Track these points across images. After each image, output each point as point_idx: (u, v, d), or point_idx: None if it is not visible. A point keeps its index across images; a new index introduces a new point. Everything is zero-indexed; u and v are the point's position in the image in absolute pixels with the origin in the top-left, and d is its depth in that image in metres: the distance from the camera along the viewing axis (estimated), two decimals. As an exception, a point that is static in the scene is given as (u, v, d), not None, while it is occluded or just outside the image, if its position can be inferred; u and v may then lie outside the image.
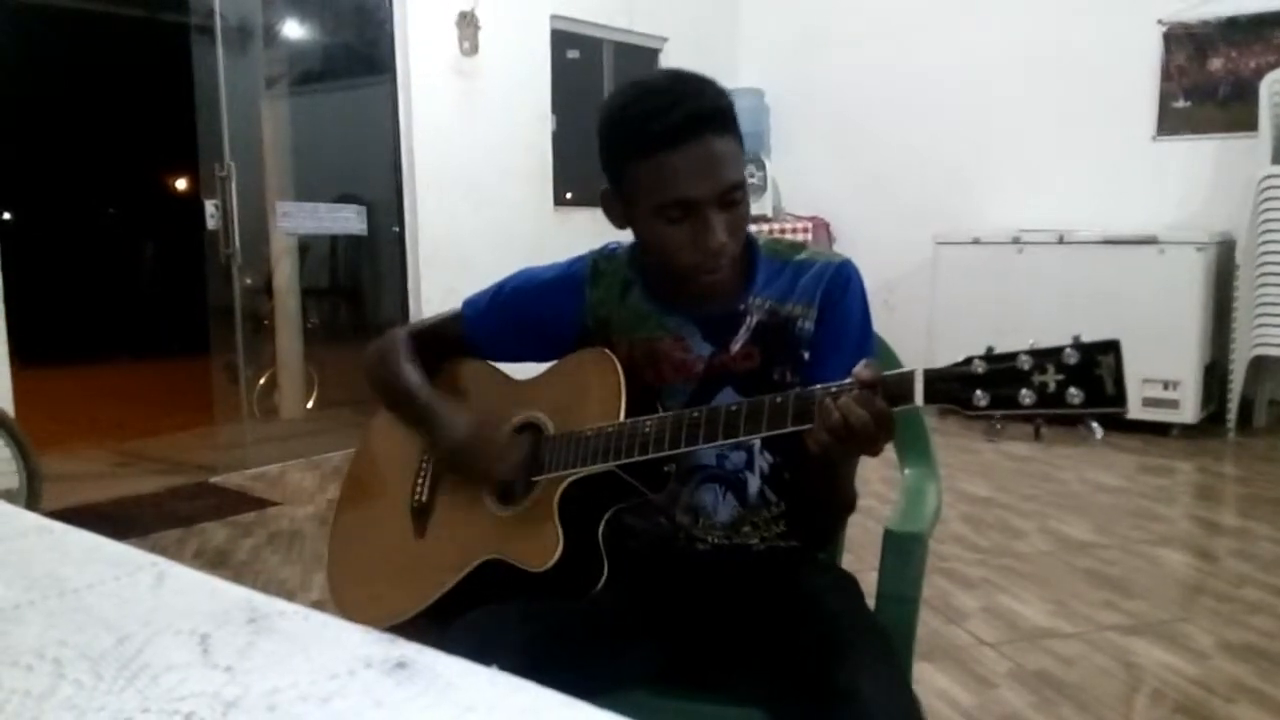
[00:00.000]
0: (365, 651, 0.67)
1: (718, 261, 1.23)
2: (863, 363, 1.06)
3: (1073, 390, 0.92)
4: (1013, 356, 0.96)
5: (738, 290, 1.32)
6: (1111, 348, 0.91)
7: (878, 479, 3.38)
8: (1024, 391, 0.94)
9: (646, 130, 1.18)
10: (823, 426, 1.05)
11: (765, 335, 1.30)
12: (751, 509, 1.33)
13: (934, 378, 1.00)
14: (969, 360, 0.98)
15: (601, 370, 1.28)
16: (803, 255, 1.34)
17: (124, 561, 0.88)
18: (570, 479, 1.23)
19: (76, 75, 9.24)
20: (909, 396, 1.01)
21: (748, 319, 1.31)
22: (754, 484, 1.33)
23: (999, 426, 0.99)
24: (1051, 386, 0.93)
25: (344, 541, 1.56)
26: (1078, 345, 0.93)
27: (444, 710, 0.59)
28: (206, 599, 0.79)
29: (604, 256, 1.41)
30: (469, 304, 1.48)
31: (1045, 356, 0.94)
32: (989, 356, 0.97)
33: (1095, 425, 0.94)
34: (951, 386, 0.99)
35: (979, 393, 0.97)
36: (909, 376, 1.01)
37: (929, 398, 1.00)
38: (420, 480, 1.44)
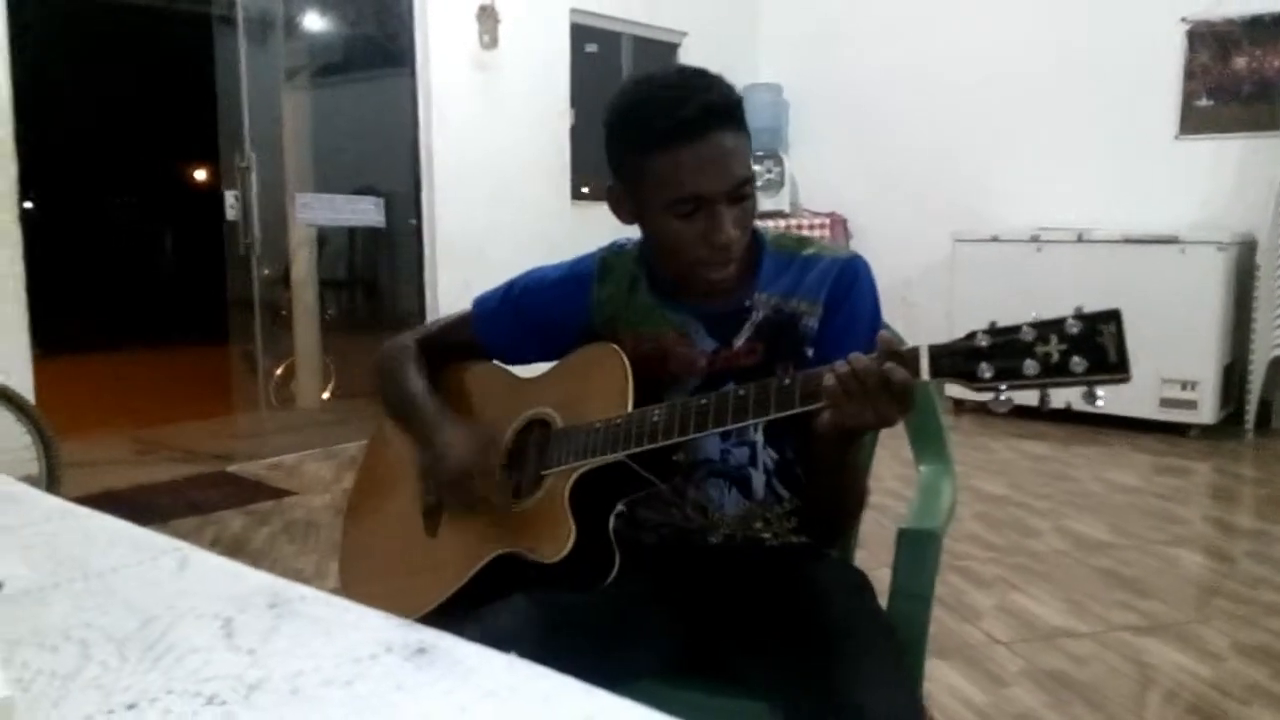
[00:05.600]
0: (386, 636, 0.68)
1: (727, 255, 1.23)
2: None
3: (1076, 359, 0.93)
4: (1016, 329, 0.97)
5: (743, 286, 1.32)
6: (1113, 317, 0.92)
7: (892, 476, 3.37)
8: (1028, 362, 0.95)
9: (657, 125, 1.18)
10: (833, 375, 1.05)
11: (769, 331, 1.30)
12: (761, 504, 1.33)
13: (939, 352, 1.01)
14: (973, 334, 0.99)
15: (608, 364, 1.28)
16: (810, 250, 1.33)
17: (148, 546, 0.90)
18: (580, 471, 1.24)
19: (98, 65, 9.31)
20: (915, 371, 1.02)
21: (752, 315, 1.31)
22: (759, 480, 1.33)
23: (1004, 398, 0.99)
24: (1055, 357, 0.94)
25: (356, 542, 1.56)
26: (1080, 315, 0.94)
27: (464, 695, 0.60)
28: (229, 583, 0.80)
29: (613, 253, 1.41)
30: (479, 304, 1.48)
31: (1048, 327, 0.95)
32: (992, 330, 0.98)
33: (1100, 394, 0.94)
34: (956, 360, 1.00)
35: (983, 365, 0.98)
36: (914, 352, 1.02)
37: (935, 372, 1.01)
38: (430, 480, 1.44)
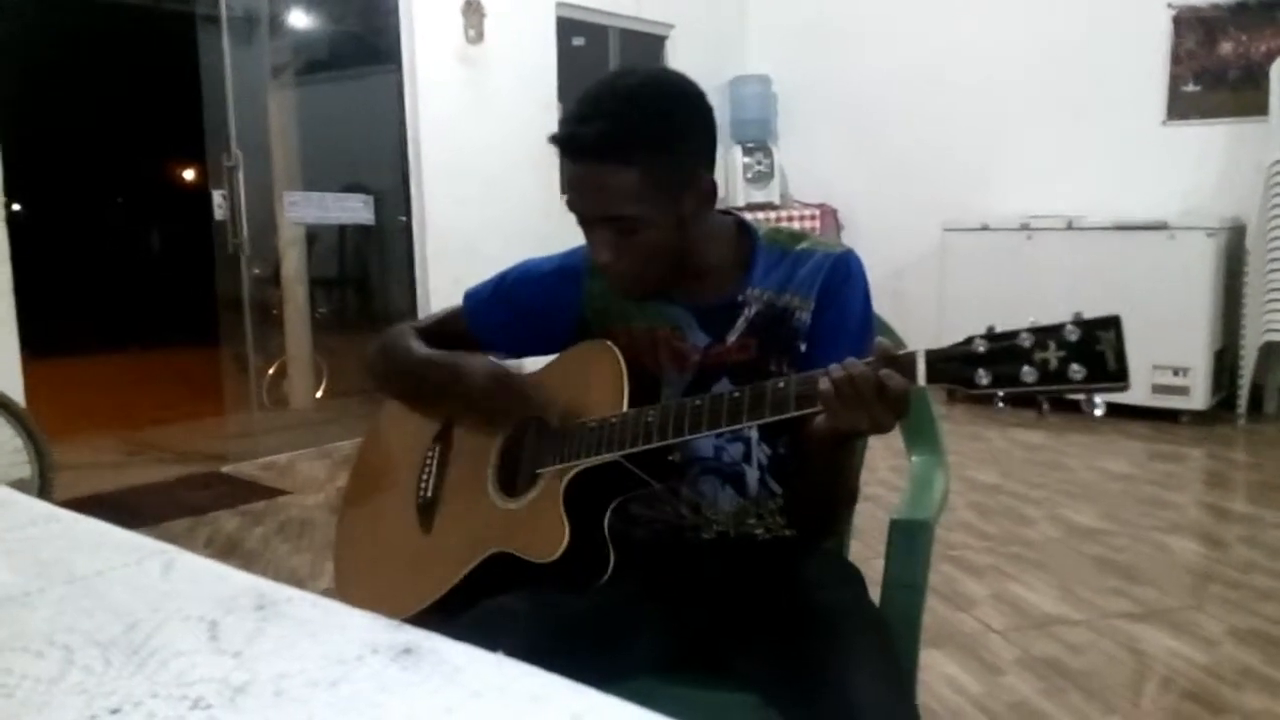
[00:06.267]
0: (372, 637, 0.67)
1: (608, 274, 1.26)
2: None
3: (1075, 367, 0.92)
4: (1014, 334, 0.96)
5: (736, 281, 1.31)
6: (1112, 324, 0.91)
7: (886, 467, 3.38)
8: (1026, 369, 0.94)
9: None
10: (828, 380, 1.04)
11: (762, 327, 1.30)
12: (754, 501, 1.33)
13: (936, 358, 1.00)
14: (970, 340, 0.98)
15: (603, 362, 1.28)
16: (803, 245, 1.33)
17: (133, 549, 0.89)
18: (575, 470, 1.23)
19: (83, 65, 9.26)
20: (911, 377, 1.01)
21: (745, 310, 1.30)
22: (753, 476, 1.32)
23: (1001, 405, 0.98)
24: (1053, 363, 0.93)
25: (350, 539, 1.56)
26: (1078, 322, 0.92)
27: (450, 695, 0.60)
28: (215, 586, 0.79)
29: None
30: (470, 296, 1.48)
31: (1046, 334, 0.94)
32: (990, 335, 0.97)
33: (1098, 402, 0.94)
34: (953, 366, 0.99)
35: (981, 371, 0.97)
36: (911, 357, 1.01)
37: (931, 377, 1.00)
38: (425, 475, 1.44)
